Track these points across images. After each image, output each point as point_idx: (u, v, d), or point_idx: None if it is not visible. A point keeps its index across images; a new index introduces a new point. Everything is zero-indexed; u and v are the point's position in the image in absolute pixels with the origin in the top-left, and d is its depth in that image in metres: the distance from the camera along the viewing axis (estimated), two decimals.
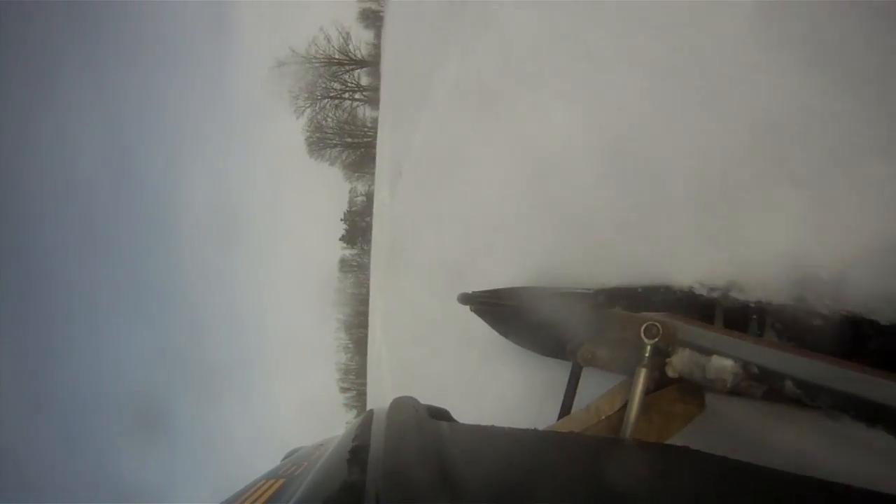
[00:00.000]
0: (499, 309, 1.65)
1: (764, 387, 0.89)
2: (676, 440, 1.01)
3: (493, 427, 0.89)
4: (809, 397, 0.80)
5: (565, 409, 1.14)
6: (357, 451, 0.73)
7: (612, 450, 0.91)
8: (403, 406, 0.89)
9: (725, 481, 0.75)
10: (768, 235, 0.95)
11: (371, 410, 0.95)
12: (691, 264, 1.09)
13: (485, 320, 1.84)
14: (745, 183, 0.99)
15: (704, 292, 1.06)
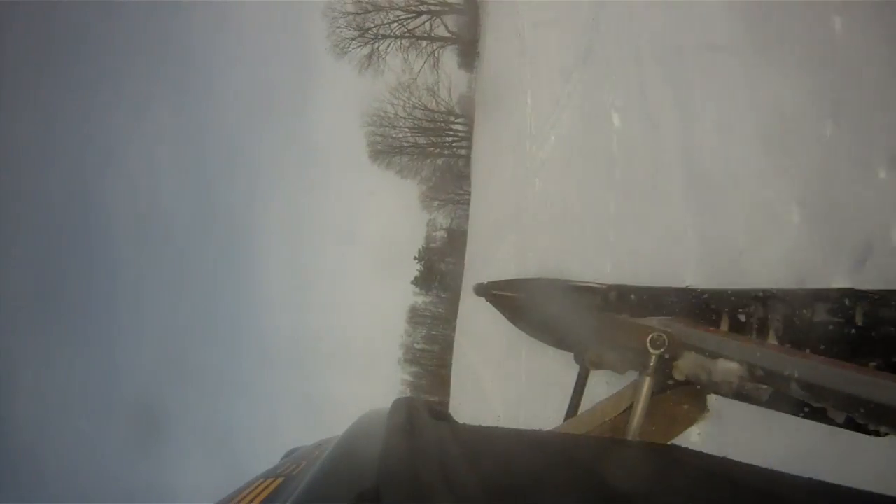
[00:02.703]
0: (512, 300, 1.64)
1: (769, 390, 0.86)
2: (679, 442, 0.98)
3: (495, 428, 0.90)
4: (815, 398, 0.77)
5: (572, 411, 1.14)
6: (357, 454, 0.74)
7: (614, 451, 0.90)
8: (404, 406, 0.87)
9: (727, 483, 0.74)
10: (772, 238, 0.92)
11: (369, 411, 0.98)
12: (697, 266, 1.07)
13: (500, 311, 1.83)
14: (747, 184, 0.97)
15: (711, 295, 1.04)
